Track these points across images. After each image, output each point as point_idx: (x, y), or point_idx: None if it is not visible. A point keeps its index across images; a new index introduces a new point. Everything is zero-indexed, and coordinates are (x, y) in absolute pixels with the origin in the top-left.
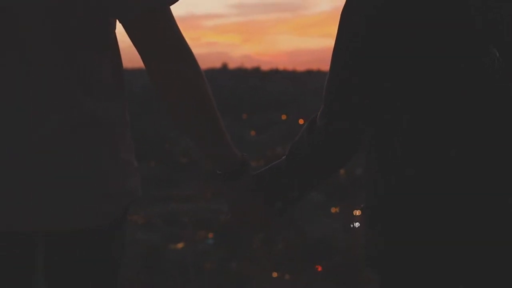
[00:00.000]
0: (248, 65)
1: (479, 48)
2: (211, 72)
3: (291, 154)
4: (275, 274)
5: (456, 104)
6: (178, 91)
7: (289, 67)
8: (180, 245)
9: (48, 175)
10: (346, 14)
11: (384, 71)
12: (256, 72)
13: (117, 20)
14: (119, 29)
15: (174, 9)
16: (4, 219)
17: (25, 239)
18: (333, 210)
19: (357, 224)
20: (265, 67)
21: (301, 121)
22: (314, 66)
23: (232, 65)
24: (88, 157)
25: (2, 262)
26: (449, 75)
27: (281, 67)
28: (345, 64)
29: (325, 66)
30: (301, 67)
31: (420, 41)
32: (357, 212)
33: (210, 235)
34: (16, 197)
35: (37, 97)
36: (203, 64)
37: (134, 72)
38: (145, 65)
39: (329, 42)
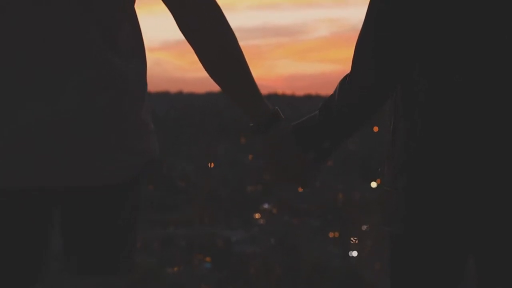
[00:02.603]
0: None
1: (502, 17)
2: (210, 96)
3: (323, 107)
4: None
5: (477, 75)
6: (216, 42)
7: (288, 91)
8: (176, 269)
9: (74, 131)
10: None
11: (409, 38)
12: None
13: None
14: None
15: (174, 33)
16: (25, 175)
17: (44, 195)
18: (330, 234)
19: (354, 253)
20: (264, 91)
21: None
22: (313, 91)
23: None
24: (112, 115)
25: (20, 218)
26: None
27: (280, 91)
28: (375, 24)
29: (324, 90)
30: (300, 92)
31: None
32: (355, 240)
33: (208, 259)
34: (39, 152)
35: (68, 54)
36: (202, 88)
37: None
38: (177, 19)
39: (328, 67)
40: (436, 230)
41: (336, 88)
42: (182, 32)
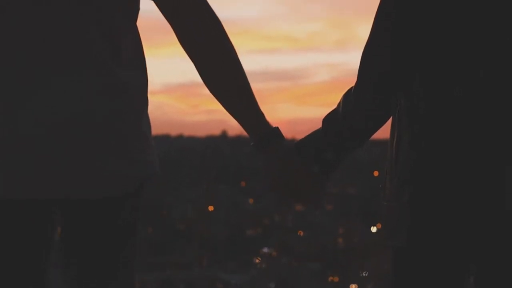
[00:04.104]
0: None
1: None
2: (211, 139)
3: (327, 119)
4: None
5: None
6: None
7: (289, 135)
8: None
9: (74, 131)
10: None
11: (412, 49)
12: None
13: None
14: None
15: (175, 77)
16: (25, 186)
17: (44, 207)
18: (330, 278)
19: None
20: None
21: None
22: None
23: (231, 133)
24: (111, 115)
25: (21, 229)
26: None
27: None
28: (380, 36)
29: None
30: (300, 136)
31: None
32: (354, 287)
33: None
34: (38, 152)
35: (68, 54)
36: (203, 131)
37: None
38: (175, 28)
39: (329, 111)
40: (440, 242)
41: (340, 100)
42: (184, 48)
